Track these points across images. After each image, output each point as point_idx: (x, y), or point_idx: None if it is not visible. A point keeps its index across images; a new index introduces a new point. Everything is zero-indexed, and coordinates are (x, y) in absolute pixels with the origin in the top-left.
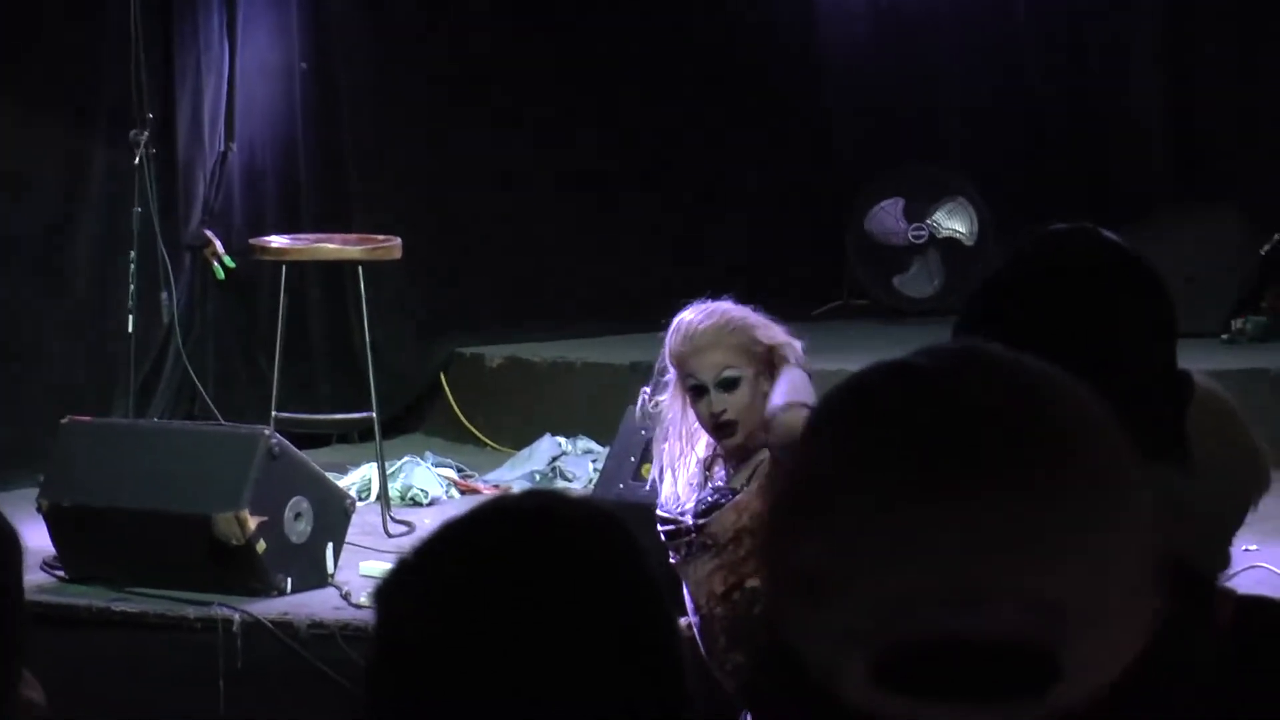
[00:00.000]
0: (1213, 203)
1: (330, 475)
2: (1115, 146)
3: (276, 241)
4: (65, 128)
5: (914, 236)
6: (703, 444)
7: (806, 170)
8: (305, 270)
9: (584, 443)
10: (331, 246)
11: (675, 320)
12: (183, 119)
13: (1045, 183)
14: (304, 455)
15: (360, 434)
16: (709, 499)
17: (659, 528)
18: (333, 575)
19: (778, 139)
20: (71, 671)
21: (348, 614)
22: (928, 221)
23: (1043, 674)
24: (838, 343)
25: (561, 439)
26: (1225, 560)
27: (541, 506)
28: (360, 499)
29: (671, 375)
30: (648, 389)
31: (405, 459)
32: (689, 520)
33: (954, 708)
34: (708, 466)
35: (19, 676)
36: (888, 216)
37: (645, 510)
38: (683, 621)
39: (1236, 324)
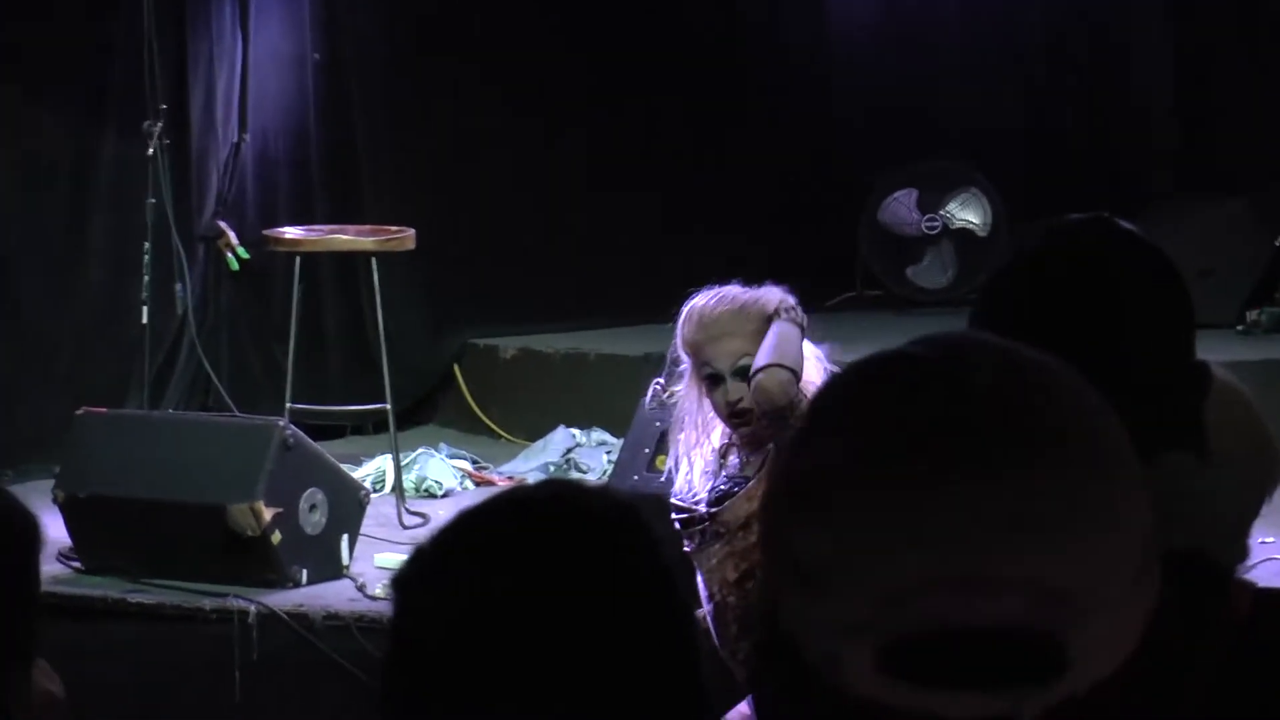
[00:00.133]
0: (1225, 194)
1: (345, 467)
2: (1127, 138)
3: (290, 232)
4: (78, 119)
5: (927, 227)
6: (718, 433)
7: (819, 162)
8: (319, 261)
9: (598, 434)
10: (345, 237)
11: (687, 308)
12: (196, 110)
13: (1057, 174)
14: (318, 447)
15: (374, 425)
16: (722, 487)
17: (673, 516)
18: (348, 567)
19: (790, 131)
20: (87, 662)
21: (363, 605)
22: (941, 212)
23: (1049, 661)
24: (850, 334)
25: (575, 430)
26: (1243, 552)
27: (557, 496)
28: (375, 490)
29: (686, 364)
30: (660, 380)
31: (419, 450)
32: (702, 508)
33: (960, 696)
34: (723, 455)
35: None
36: (901, 207)
37: (660, 501)
38: (698, 612)
39: (1251, 315)
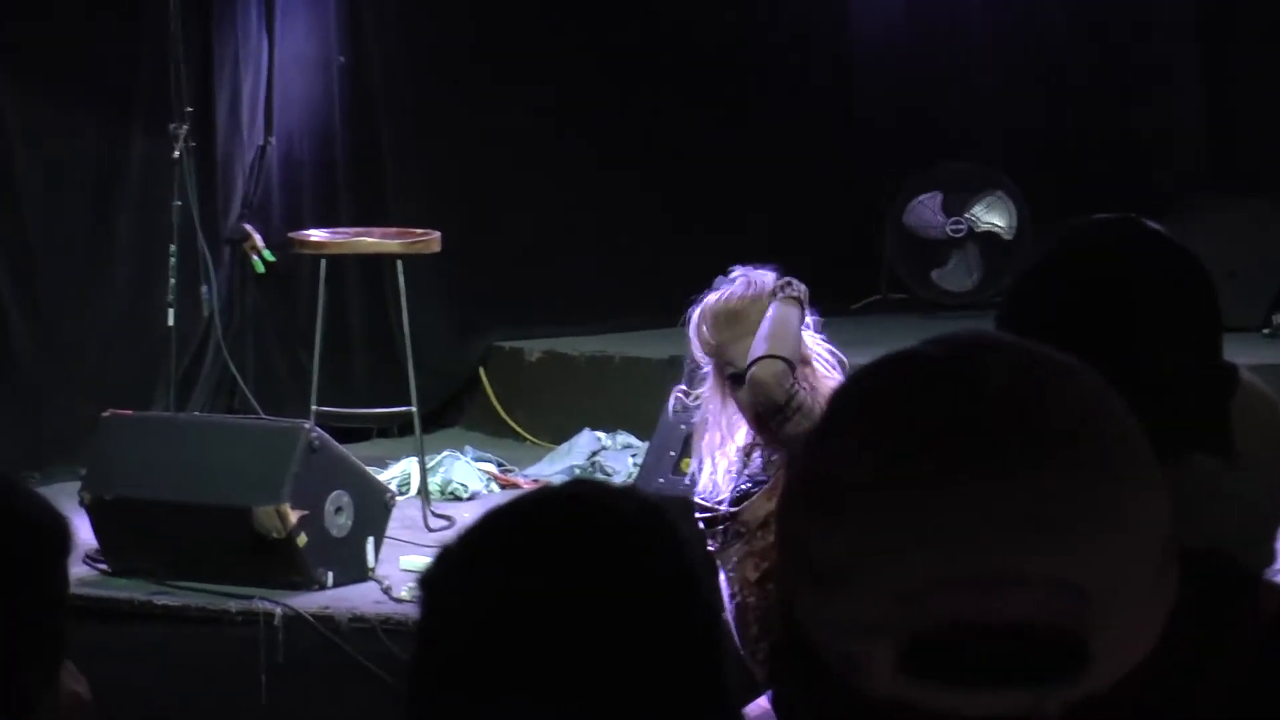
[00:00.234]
0: (1251, 196)
1: (370, 469)
2: (1153, 140)
3: (316, 235)
4: (104, 121)
5: (953, 230)
6: (742, 433)
7: (844, 164)
8: (344, 264)
9: (623, 437)
10: (371, 240)
11: (698, 311)
12: (221, 112)
13: (1082, 176)
14: (344, 449)
15: (400, 428)
16: (744, 486)
17: (697, 515)
18: (373, 569)
19: (814, 133)
20: (113, 664)
21: (388, 608)
22: (966, 215)
23: (1071, 657)
24: (875, 337)
25: (601, 434)
26: (1270, 555)
27: (584, 496)
28: (400, 493)
29: (709, 366)
30: (681, 387)
31: (445, 453)
32: (725, 508)
33: (981, 693)
34: (747, 454)
35: (61, 668)
36: (926, 210)
37: (685, 504)
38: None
39: (1277, 318)
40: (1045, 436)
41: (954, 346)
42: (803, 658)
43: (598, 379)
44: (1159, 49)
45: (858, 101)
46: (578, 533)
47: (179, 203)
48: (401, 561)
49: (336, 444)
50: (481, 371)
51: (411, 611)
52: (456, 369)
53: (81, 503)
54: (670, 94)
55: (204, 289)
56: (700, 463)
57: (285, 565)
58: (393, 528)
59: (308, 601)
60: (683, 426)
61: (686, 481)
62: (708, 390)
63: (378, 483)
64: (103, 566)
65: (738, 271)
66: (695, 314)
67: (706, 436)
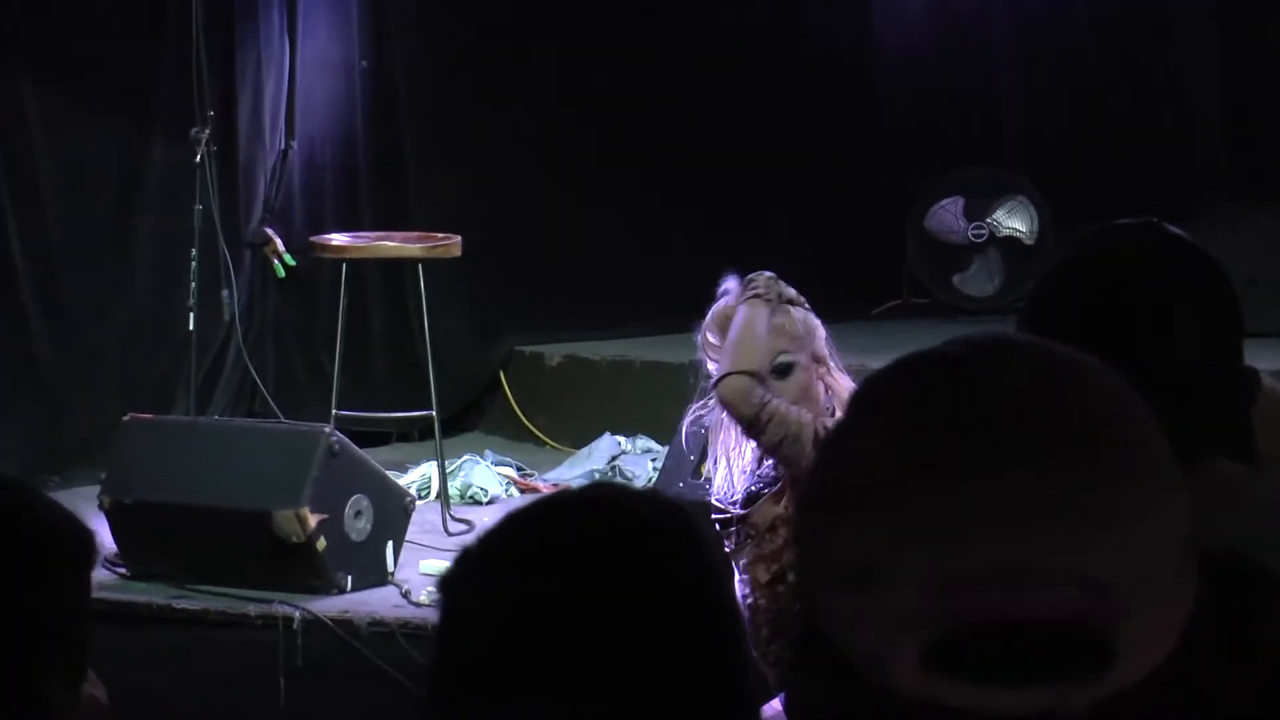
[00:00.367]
0: (1272, 203)
1: (390, 473)
2: (1174, 146)
3: (337, 239)
4: (126, 125)
5: (974, 235)
6: None
7: (865, 169)
8: (365, 268)
9: (643, 441)
10: (392, 244)
11: (710, 315)
12: (243, 116)
13: (1104, 181)
14: (364, 453)
15: (420, 432)
16: (753, 488)
17: (713, 517)
18: (393, 573)
19: (836, 138)
20: (132, 668)
21: (408, 612)
22: (988, 220)
23: (1097, 654)
24: (897, 341)
25: (621, 438)
26: None
27: (604, 499)
28: (420, 497)
29: (715, 369)
30: (698, 405)
31: (465, 457)
32: (736, 509)
33: (1006, 691)
34: (761, 455)
35: (83, 680)
36: (948, 215)
37: (705, 508)
38: None
39: None
40: (1068, 434)
41: (976, 346)
42: (824, 657)
43: (618, 383)
44: (1179, 53)
45: (879, 106)
46: (598, 535)
47: (200, 207)
48: (421, 566)
49: (356, 448)
50: (502, 375)
51: (431, 615)
52: (477, 373)
53: (101, 506)
54: (693, 99)
55: (225, 293)
56: (715, 463)
57: (305, 569)
58: (412, 532)
59: (327, 605)
60: (702, 430)
61: (706, 485)
62: None
63: (397, 487)
64: (122, 570)
65: (731, 279)
66: (708, 321)
67: (721, 436)
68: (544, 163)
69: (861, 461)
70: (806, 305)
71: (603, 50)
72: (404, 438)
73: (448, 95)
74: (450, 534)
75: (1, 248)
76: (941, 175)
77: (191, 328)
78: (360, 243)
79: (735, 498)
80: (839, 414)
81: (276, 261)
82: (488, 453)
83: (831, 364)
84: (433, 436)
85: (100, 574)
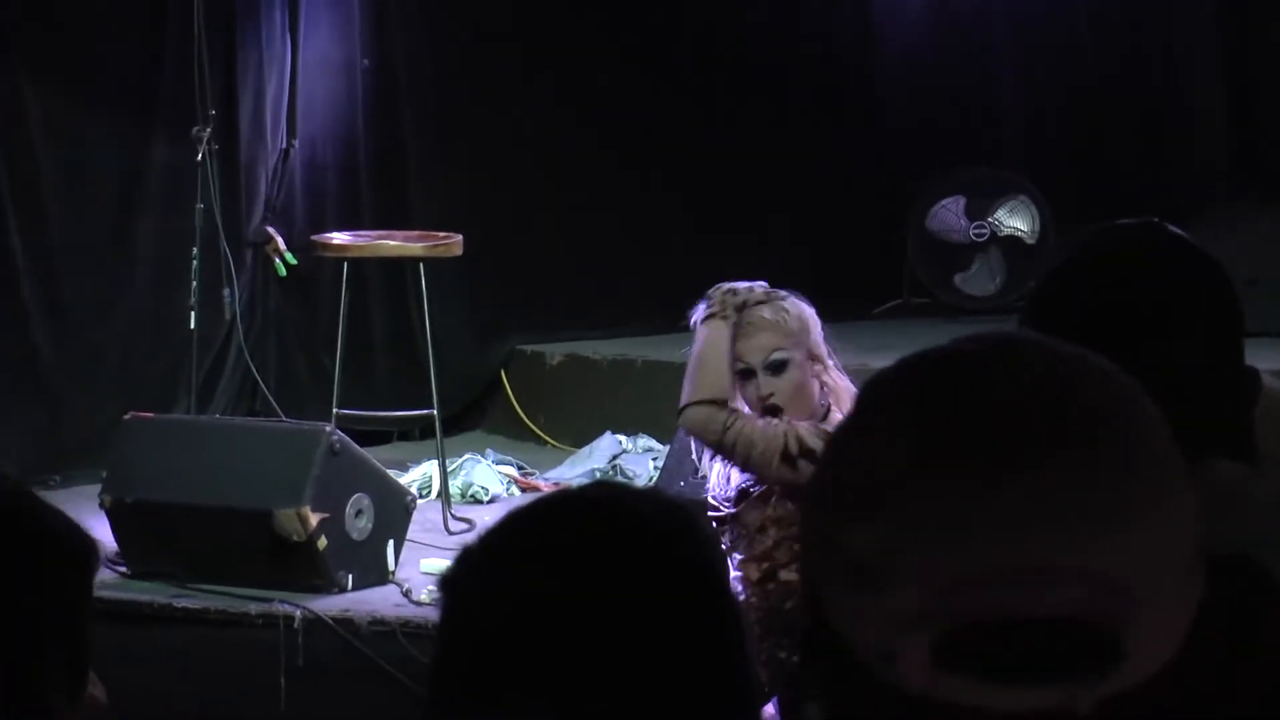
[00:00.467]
0: (1273, 202)
1: (391, 472)
2: (1175, 146)
3: (338, 238)
4: (128, 125)
5: (975, 234)
6: None
7: (866, 168)
8: (366, 267)
9: (644, 440)
10: (393, 243)
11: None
12: (245, 116)
13: (1105, 181)
14: (365, 452)
15: (421, 431)
16: (743, 485)
17: (709, 514)
18: (393, 572)
19: (836, 138)
20: (133, 667)
21: (409, 611)
22: (989, 219)
23: (1106, 653)
24: (898, 341)
25: (622, 437)
26: None
27: (606, 498)
28: (421, 496)
29: None
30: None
31: (466, 456)
32: (729, 508)
33: (1015, 689)
34: None
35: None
36: (949, 215)
37: (702, 506)
38: None
39: None
40: (1070, 434)
41: (985, 343)
42: (831, 654)
43: (619, 382)
44: (1180, 53)
45: (879, 106)
46: (599, 535)
47: (201, 206)
48: (422, 564)
49: (357, 447)
50: (503, 374)
51: (432, 615)
52: (478, 372)
53: (102, 505)
54: (693, 97)
55: (226, 292)
56: (710, 460)
57: (305, 568)
58: (413, 531)
59: (328, 604)
60: None
61: (706, 484)
62: None
63: (398, 486)
64: (122, 569)
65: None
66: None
67: None
68: (545, 162)
69: (866, 460)
70: (799, 297)
71: (603, 50)
72: (405, 436)
73: (449, 95)
74: (451, 533)
75: (2, 247)
76: (942, 175)
77: (193, 327)
78: (361, 242)
79: (729, 496)
80: (834, 412)
81: (278, 260)
82: (489, 452)
83: (829, 362)
84: (434, 435)
85: (101, 573)
